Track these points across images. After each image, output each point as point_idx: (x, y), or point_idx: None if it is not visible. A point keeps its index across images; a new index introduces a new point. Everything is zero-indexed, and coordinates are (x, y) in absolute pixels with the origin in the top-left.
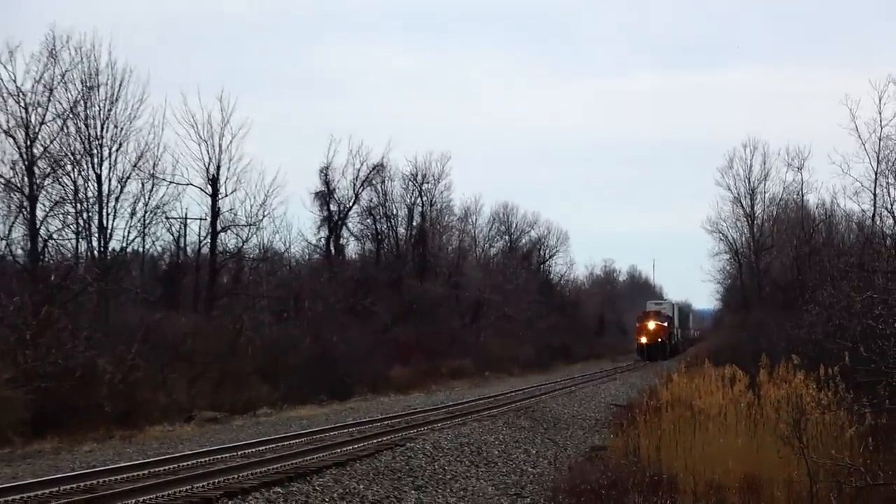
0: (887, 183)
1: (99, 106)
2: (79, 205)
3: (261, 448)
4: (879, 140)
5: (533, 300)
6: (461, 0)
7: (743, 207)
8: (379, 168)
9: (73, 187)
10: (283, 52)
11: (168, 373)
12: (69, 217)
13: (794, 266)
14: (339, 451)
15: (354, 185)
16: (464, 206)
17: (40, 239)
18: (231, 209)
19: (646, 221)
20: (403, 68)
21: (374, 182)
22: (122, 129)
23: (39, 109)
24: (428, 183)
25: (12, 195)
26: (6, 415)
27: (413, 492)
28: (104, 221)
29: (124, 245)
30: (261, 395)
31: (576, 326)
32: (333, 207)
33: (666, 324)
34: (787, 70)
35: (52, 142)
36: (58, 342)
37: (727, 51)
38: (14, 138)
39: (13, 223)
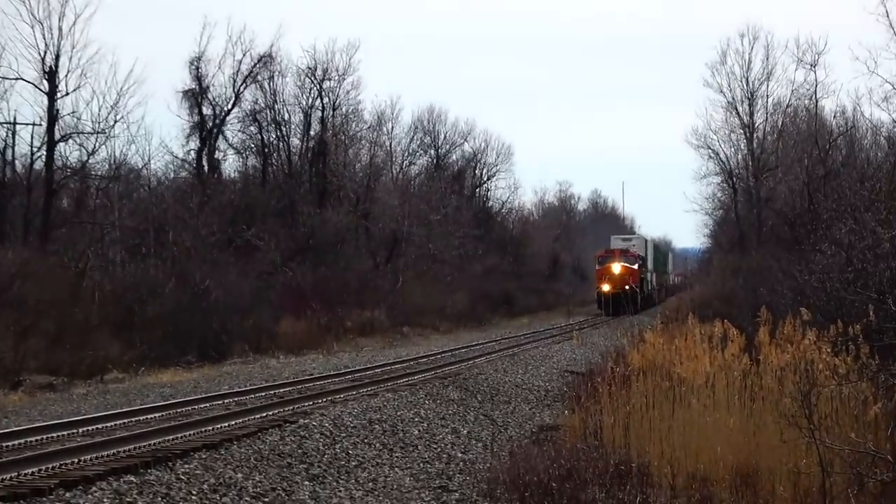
0: None
1: None
2: None
3: (109, 424)
4: None
5: (466, 235)
6: None
7: (739, 116)
8: (266, 60)
9: None
10: None
11: None
12: None
13: (805, 193)
14: (210, 428)
15: (234, 81)
16: (377, 110)
17: None
18: (74, 112)
19: (614, 134)
20: None
21: (259, 78)
22: None
23: None
24: (330, 80)
25: None
26: None
27: (307, 483)
28: None
29: None
30: (110, 356)
31: (522, 269)
32: (207, 111)
33: (636, 266)
34: None
35: None
36: None
37: None
38: None
39: None
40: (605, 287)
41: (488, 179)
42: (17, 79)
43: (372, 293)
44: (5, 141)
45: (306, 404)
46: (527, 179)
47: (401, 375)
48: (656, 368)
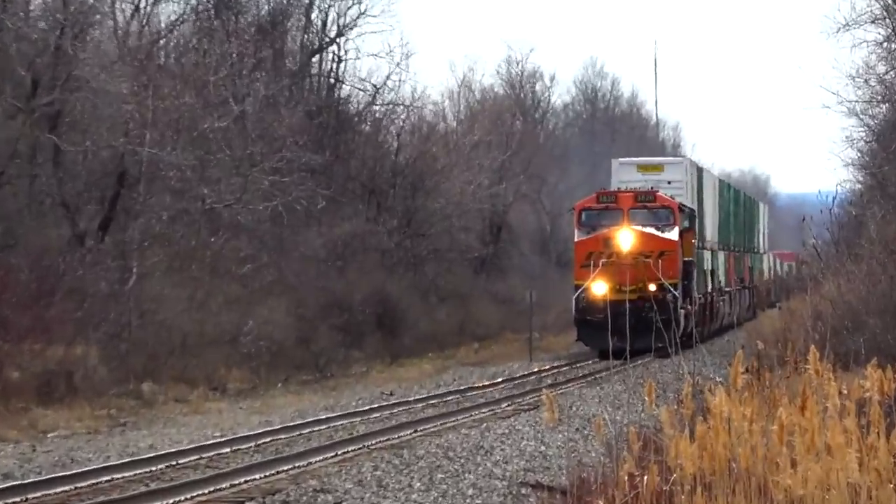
0: None
1: None
2: None
3: None
4: None
5: (291, 165)
6: None
7: None
8: None
9: None
10: None
11: None
12: None
13: None
14: None
15: None
16: None
17: None
18: None
19: None
20: None
21: None
22: None
23: None
24: None
25: None
26: None
27: None
28: None
29: None
30: None
31: (420, 246)
32: None
33: (673, 235)
34: None
35: None
36: None
37: None
38: None
39: None
40: (599, 288)
41: (339, 37)
42: None
43: (69, 305)
44: None
45: None
46: (433, 51)
47: None
48: (735, 476)
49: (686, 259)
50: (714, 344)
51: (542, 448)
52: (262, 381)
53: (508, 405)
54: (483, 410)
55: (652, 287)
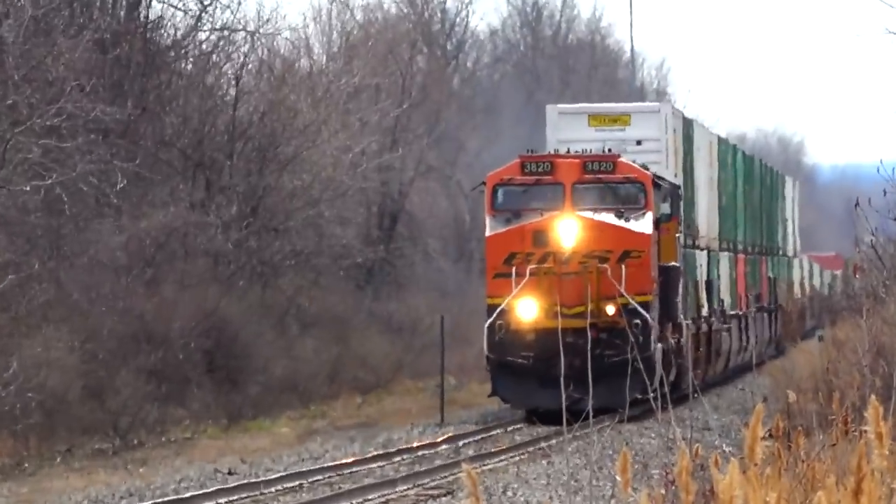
0: None
1: None
2: None
3: None
4: None
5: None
6: None
7: None
8: None
9: None
10: None
11: None
12: None
13: None
14: None
15: None
16: None
17: None
18: None
19: None
20: None
21: None
22: None
23: None
24: None
25: None
26: None
27: None
28: None
29: None
30: None
31: (276, 248)
32: None
33: (642, 227)
34: None
35: None
36: None
37: None
38: None
39: None
40: (526, 311)
41: None
42: None
43: None
44: None
45: None
46: None
47: None
48: None
49: (666, 264)
50: (721, 395)
51: None
52: (33, 454)
53: (409, 489)
54: (370, 497)
55: (610, 309)
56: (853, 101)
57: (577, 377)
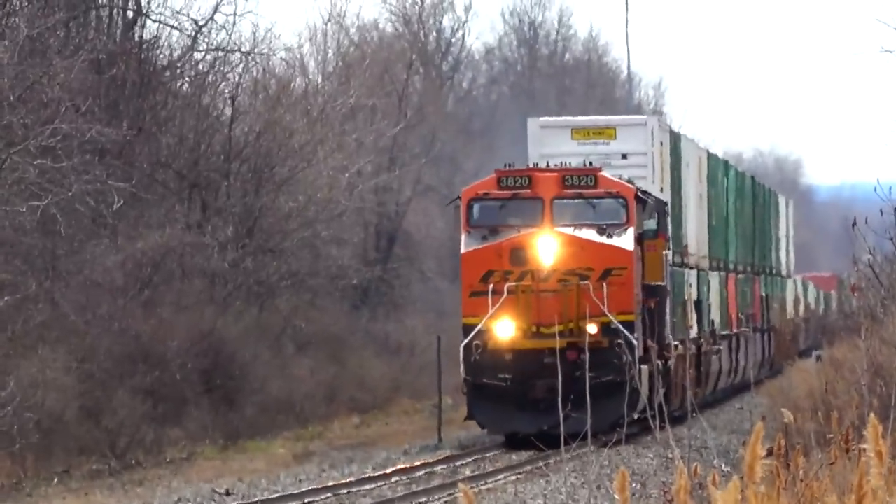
0: None
1: None
2: None
3: None
4: None
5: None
6: None
7: None
8: None
9: None
10: None
11: None
12: None
13: None
14: None
15: None
16: None
17: None
18: None
19: None
20: None
21: None
22: None
23: None
24: None
25: None
26: None
27: None
28: None
29: None
30: None
31: (272, 269)
32: None
33: (624, 243)
34: None
35: None
36: None
37: None
38: None
39: None
40: (503, 331)
41: None
42: None
43: None
44: None
45: None
46: None
47: None
48: None
49: (652, 283)
50: (718, 415)
51: None
52: (30, 475)
53: None
54: None
55: (591, 328)
56: (850, 121)
57: (556, 400)
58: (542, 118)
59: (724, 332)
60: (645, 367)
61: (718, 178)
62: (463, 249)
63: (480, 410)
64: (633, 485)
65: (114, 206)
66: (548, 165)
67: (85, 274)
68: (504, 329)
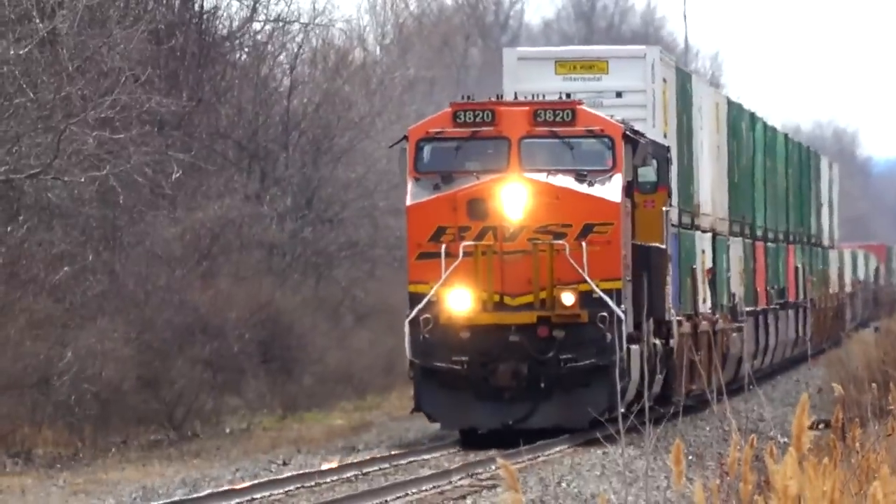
0: None
1: None
2: None
3: None
4: None
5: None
6: None
7: None
8: None
9: None
10: None
11: None
12: None
13: None
14: None
15: None
16: None
17: None
18: None
19: None
20: None
21: None
22: None
23: None
24: None
25: None
26: None
27: None
28: None
29: None
30: None
31: (331, 239)
32: None
33: (609, 194)
34: None
35: None
36: None
37: None
38: None
39: None
40: (458, 301)
41: None
42: None
43: None
44: None
45: None
46: None
47: None
48: None
49: (647, 244)
50: (775, 388)
51: None
52: (88, 445)
53: (462, 478)
54: (424, 488)
55: (567, 298)
56: None
57: (525, 387)
58: (520, 48)
59: (750, 309)
60: (636, 347)
61: (742, 130)
62: (409, 201)
63: (430, 401)
64: (689, 456)
65: (173, 176)
66: (521, 97)
67: (144, 245)
68: (459, 300)
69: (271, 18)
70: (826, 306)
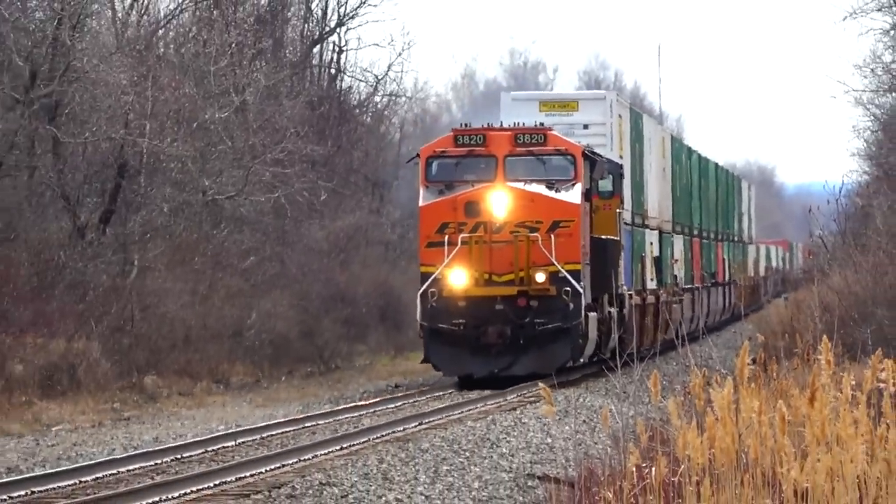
0: None
1: None
2: None
3: None
4: None
5: (292, 157)
6: None
7: None
8: None
9: None
10: None
11: None
12: None
13: None
14: None
15: None
16: None
17: None
18: None
19: None
20: None
21: None
22: None
23: None
24: None
25: None
26: None
27: None
28: None
29: None
30: None
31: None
32: None
33: (571, 197)
34: None
35: None
36: None
37: None
38: None
39: None
40: (458, 279)
41: (339, 26)
42: None
43: (70, 298)
44: None
45: None
46: (435, 42)
47: None
48: (742, 467)
49: (599, 236)
50: (720, 336)
51: (549, 440)
52: (266, 375)
53: (514, 397)
54: (489, 403)
55: (540, 276)
56: (809, 137)
57: (508, 344)
58: (514, 92)
59: (688, 286)
60: (593, 315)
61: (682, 158)
62: (421, 203)
63: (436, 354)
64: (663, 382)
65: (321, 198)
66: (508, 124)
67: (303, 242)
68: (458, 277)
69: (387, 94)
70: (747, 285)
